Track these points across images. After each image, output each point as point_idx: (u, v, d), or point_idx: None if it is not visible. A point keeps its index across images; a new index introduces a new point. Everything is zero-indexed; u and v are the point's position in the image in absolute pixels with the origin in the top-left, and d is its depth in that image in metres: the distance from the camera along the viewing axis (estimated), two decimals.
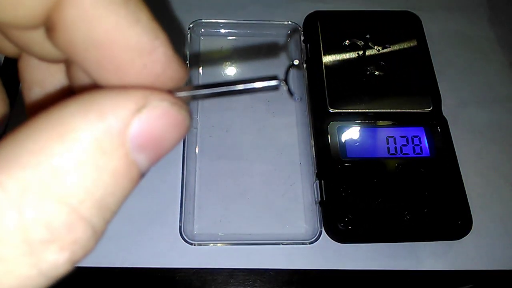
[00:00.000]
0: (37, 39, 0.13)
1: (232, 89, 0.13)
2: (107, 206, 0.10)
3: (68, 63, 0.14)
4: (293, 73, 0.45)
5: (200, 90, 0.13)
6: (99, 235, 0.10)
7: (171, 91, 0.12)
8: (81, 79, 0.14)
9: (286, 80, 0.13)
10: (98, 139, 0.10)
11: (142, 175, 0.11)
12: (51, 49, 0.13)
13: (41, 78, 0.15)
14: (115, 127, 0.10)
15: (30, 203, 0.09)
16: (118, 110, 0.10)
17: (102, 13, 0.11)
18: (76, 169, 0.10)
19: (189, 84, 0.12)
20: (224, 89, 0.13)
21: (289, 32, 0.46)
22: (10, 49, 0.14)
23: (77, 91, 0.14)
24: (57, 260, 0.10)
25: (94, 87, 0.12)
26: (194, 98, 0.13)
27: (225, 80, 0.13)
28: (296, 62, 0.14)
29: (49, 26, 0.11)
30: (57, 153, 0.10)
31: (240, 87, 0.13)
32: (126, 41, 0.11)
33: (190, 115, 0.12)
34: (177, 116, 0.11)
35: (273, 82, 0.13)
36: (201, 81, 0.44)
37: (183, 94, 0.12)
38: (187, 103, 0.12)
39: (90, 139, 0.10)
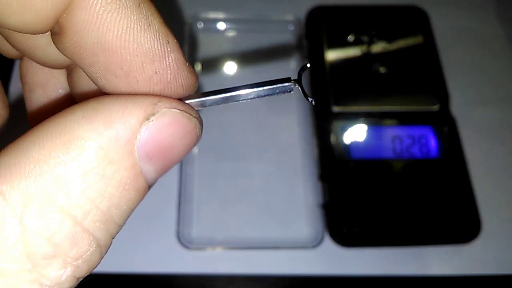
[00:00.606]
0: (40, 44, 0.12)
1: (244, 94, 0.12)
2: (112, 219, 0.10)
3: (69, 69, 0.14)
4: (294, 71, 0.44)
5: (211, 97, 0.12)
6: (104, 250, 0.10)
7: (180, 99, 0.12)
8: (84, 85, 0.14)
9: (300, 82, 0.13)
10: (105, 148, 0.10)
11: (149, 187, 0.11)
12: (53, 54, 0.13)
13: (43, 80, 0.15)
14: (122, 136, 0.10)
15: (33, 214, 0.09)
16: (125, 117, 0.10)
17: (113, 17, 0.10)
18: (80, 179, 0.09)
19: (199, 91, 0.11)
20: (236, 95, 0.12)
21: (291, 28, 0.46)
22: (12, 52, 0.14)
23: (79, 97, 0.14)
24: (60, 276, 0.09)
25: (99, 93, 0.12)
26: (205, 105, 0.12)
27: (235, 85, 0.12)
28: (308, 64, 0.14)
29: (56, 30, 0.11)
30: (61, 162, 0.09)
31: (253, 91, 0.12)
32: (137, 46, 0.11)
33: (201, 123, 0.11)
34: (187, 124, 0.11)
35: (287, 85, 0.12)
36: (201, 80, 0.43)
37: (193, 101, 0.12)
38: (197, 110, 0.12)
39: (96, 148, 0.10)
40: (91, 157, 0.10)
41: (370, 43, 0.42)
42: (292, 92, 0.13)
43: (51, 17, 0.11)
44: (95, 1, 0.10)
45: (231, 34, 0.46)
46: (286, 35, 0.46)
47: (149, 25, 0.11)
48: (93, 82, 0.12)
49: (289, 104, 0.42)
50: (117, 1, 0.10)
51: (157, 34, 0.11)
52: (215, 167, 0.39)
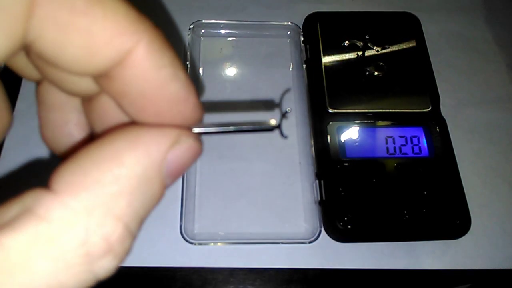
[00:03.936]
0: (73, 79, 0.15)
1: (237, 130, 0.16)
2: (143, 220, 0.13)
3: (89, 97, 0.16)
4: (292, 74, 0.45)
5: (211, 128, 0.16)
6: (134, 241, 0.13)
7: (189, 127, 0.15)
8: (103, 113, 0.16)
9: (279, 126, 0.17)
10: (146, 170, 0.13)
11: None
12: (81, 87, 0.15)
13: (62, 103, 0.17)
14: (156, 160, 0.13)
15: (95, 221, 0.12)
16: (159, 146, 0.13)
17: (155, 74, 0.13)
18: (129, 193, 0.12)
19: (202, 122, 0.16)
20: (229, 129, 0.16)
21: (289, 33, 0.47)
22: (34, 76, 0.16)
23: (97, 123, 0.16)
24: (110, 266, 0.12)
25: (121, 122, 0.15)
26: (206, 133, 0.16)
27: (231, 122, 0.17)
28: (288, 110, 0.19)
29: (103, 75, 0.14)
30: (115, 182, 0.12)
31: (244, 128, 0.16)
32: (169, 94, 0.14)
33: (202, 146, 0.15)
34: (197, 149, 0.14)
35: (269, 127, 0.17)
36: (203, 83, 0.44)
37: (198, 130, 0.15)
38: (200, 136, 0.15)
39: (141, 170, 0.13)
40: (137, 177, 0.12)
41: (364, 47, 0.43)
42: (272, 131, 0.17)
43: (105, 69, 0.13)
44: (144, 62, 0.13)
45: (231, 39, 0.47)
46: (285, 39, 0.47)
47: (178, 77, 0.14)
48: (126, 114, 0.15)
49: (287, 106, 0.43)
50: (159, 61, 0.13)
51: (183, 84, 0.14)
52: (216, 166, 0.40)
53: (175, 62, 0.14)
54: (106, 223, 0.12)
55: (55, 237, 0.11)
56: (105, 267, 0.12)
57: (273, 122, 0.17)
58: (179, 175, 0.14)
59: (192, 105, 0.15)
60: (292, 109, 0.43)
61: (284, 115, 0.18)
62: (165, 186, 0.14)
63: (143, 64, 0.13)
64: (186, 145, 0.14)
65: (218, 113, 0.43)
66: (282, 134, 0.18)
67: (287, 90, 0.44)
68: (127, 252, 0.12)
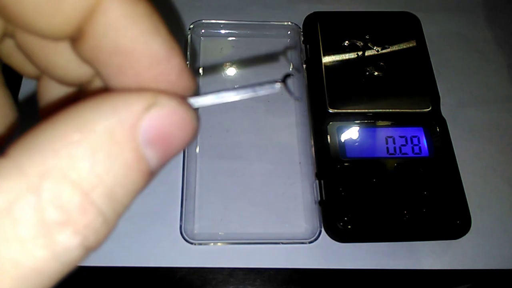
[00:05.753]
0: (61, 62, 0.14)
1: (236, 94, 0.14)
2: (117, 197, 0.11)
3: (83, 86, 0.15)
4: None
5: (207, 96, 0.14)
6: (110, 226, 0.11)
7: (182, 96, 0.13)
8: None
9: (284, 82, 0.15)
10: (111, 129, 0.11)
11: (152, 173, 0.12)
12: (73, 72, 0.14)
13: (61, 98, 0.16)
14: (127, 120, 0.11)
15: (48, 186, 0.10)
16: (130, 105, 0.11)
17: (129, 23, 0.12)
18: (90, 156, 0.10)
19: (197, 93, 0.13)
20: (229, 94, 0.14)
21: (289, 32, 0.47)
22: (32, 71, 0.15)
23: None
24: (70, 242, 0.10)
25: (107, 89, 0.13)
26: (203, 103, 0.14)
27: (229, 87, 0.14)
28: (291, 72, 0.16)
29: (77, 35, 0.13)
30: (73, 142, 0.10)
31: (244, 90, 0.14)
32: (148, 49, 0.12)
33: (198, 118, 0.12)
34: (184, 116, 0.12)
35: (273, 85, 0.14)
36: (203, 83, 0.44)
37: (192, 99, 0.13)
38: (195, 108, 0.13)
39: (104, 129, 0.11)
40: (99, 137, 0.11)
41: (364, 47, 0.43)
42: (278, 90, 0.14)
43: (76, 22, 0.12)
44: (114, 9, 0.12)
45: (231, 39, 0.47)
46: (285, 39, 0.47)
47: (158, 32, 0.12)
48: (105, 81, 0.13)
49: (287, 105, 0.43)
50: (133, 10, 0.12)
51: (164, 40, 0.12)
52: (216, 166, 0.40)
53: (153, 15, 0.12)
54: (61, 188, 0.10)
55: (1, 203, 0.10)
56: (65, 243, 0.10)
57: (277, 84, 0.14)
58: (165, 149, 0.12)
59: (176, 67, 0.13)
60: (292, 111, 0.43)
61: (288, 75, 0.15)
62: (144, 158, 0.11)
63: (115, 11, 0.12)
64: (167, 109, 0.12)
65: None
66: (289, 91, 0.15)
67: (287, 48, 0.43)
68: (95, 231, 0.11)
